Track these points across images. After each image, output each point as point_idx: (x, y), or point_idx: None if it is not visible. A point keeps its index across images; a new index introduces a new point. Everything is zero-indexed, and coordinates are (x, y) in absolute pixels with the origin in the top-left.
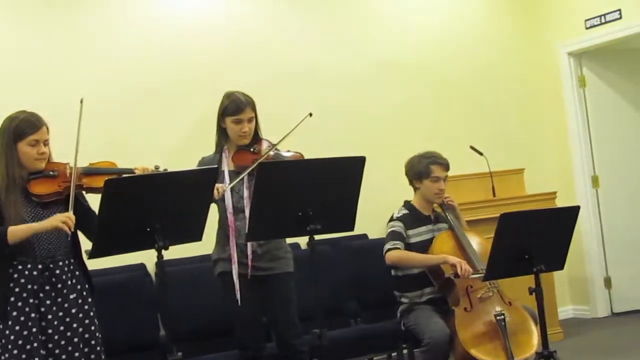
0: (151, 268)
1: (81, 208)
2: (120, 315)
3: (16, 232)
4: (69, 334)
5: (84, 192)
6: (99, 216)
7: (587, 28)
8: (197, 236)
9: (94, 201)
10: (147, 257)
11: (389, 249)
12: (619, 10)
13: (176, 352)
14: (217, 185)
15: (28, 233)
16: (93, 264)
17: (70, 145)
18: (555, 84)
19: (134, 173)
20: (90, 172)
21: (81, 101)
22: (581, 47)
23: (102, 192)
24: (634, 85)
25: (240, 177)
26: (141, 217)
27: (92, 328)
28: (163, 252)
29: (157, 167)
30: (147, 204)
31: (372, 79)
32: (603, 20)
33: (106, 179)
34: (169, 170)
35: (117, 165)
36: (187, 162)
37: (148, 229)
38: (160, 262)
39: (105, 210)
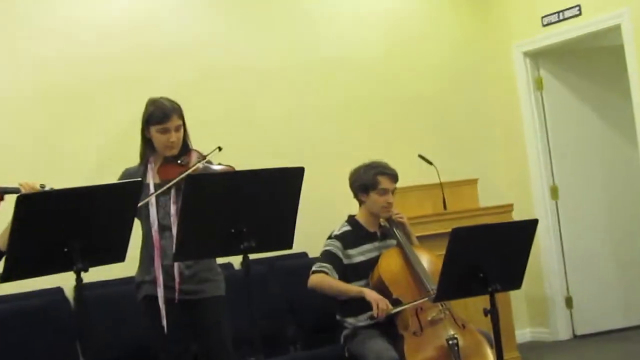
0: (69, 292)
1: None
2: (35, 344)
3: None
4: None
5: None
6: (10, 236)
7: (544, 25)
8: (119, 257)
9: None
10: (64, 280)
11: (314, 271)
12: (579, 5)
13: None
14: None
15: None
16: (4, 289)
17: None
18: (510, 86)
19: (20, 191)
20: None
21: None
22: (538, 47)
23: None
24: (595, 87)
25: (164, 187)
26: (58, 236)
27: None
28: (82, 274)
29: (42, 186)
30: (64, 221)
31: (310, 81)
32: (561, 17)
33: (19, 194)
34: (88, 184)
35: None
36: (110, 175)
37: (65, 250)
38: (79, 286)
39: (18, 230)
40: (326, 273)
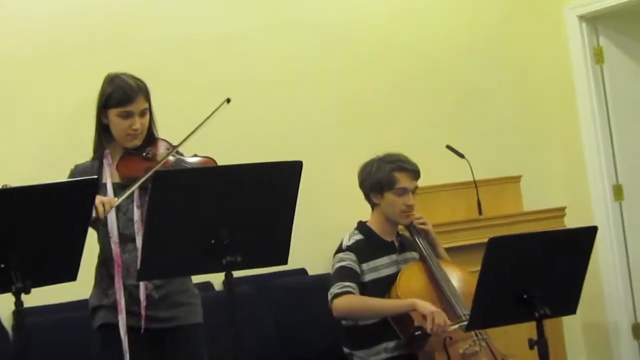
0: (6, 318)
1: None
2: None
3: None
4: None
5: None
6: None
7: None
8: (70, 275)
9: None
10: (0, 304)
11: (337, 294)
12: None
13: None
14: (100, 198)
15: None
16: None
17: None
18: (561, 60)
19: None
20: None
21: None
22: (597, 9)
23: None
24: None
25: (129, 191)
26: None
27: None
28: (23, 296)
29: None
30: (1, 230)
31: (311, 57)
32: None
33: None
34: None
35: None
36: (53, 175)
37: (2, 265)
38: (19, 311)
39: None
40: (352, 293)
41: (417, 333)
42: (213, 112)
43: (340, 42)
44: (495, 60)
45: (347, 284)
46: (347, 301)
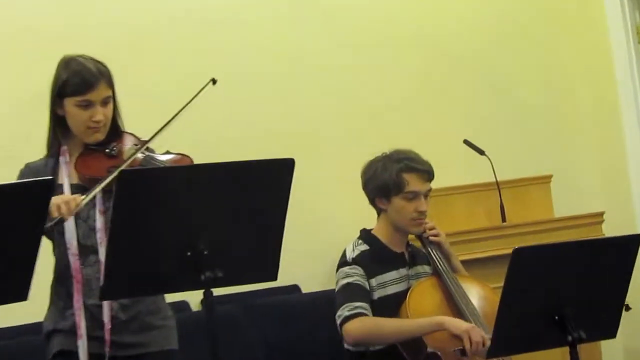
0: None
1: None
2: None
3: None
4: None
5: None
6: None
7: None
8: (20, 294)
9: None
10: None
11: (347, 317)
12: None
13: None
14: (61, 197)
15: None
16: None
17: None
18: (598, 40)
19: None
20: None
21: None
22: None
23: None
24: None
25: (91, 195)
26: None
27: None
28: None
29: None
30: None
31: (312, 47)
32: None
33: None
34: None
35: None
36: (2, 174)
37: None
38: None
39: None
40: (365, 315)
41: (454, 350)
42: (195, 96)
43: (346, 33)
44: (522, 41)
45: (357, 304)
46: (360, 325)
